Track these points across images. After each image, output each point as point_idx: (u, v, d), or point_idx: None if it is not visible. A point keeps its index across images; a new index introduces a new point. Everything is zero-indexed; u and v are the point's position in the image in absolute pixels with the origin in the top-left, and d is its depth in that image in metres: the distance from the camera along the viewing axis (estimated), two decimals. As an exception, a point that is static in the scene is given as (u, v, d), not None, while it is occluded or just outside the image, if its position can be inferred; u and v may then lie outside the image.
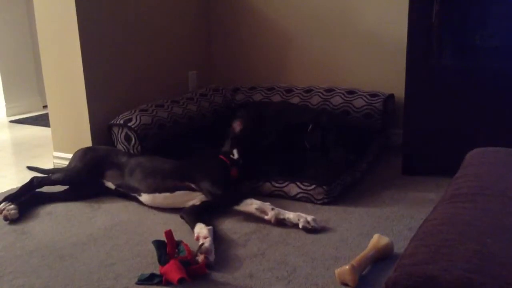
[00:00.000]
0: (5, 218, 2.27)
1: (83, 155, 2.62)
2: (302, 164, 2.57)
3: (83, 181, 2.54)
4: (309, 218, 2.11)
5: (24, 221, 2.29)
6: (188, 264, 1.77)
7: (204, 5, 3.75)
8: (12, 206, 2.31)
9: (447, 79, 2.57)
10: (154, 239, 1.95)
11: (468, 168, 1.56)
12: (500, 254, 0.99)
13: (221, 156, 2.47)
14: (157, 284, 1.72)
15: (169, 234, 1.84)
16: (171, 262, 1.75)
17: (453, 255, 0.99)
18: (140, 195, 2.40)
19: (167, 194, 2.34)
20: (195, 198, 2.31)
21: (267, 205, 2.18)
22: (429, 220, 1.22)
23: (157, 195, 2.35)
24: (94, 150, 2.68)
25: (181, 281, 1.69)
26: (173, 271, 1.71)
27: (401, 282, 0.95)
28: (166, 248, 1.82)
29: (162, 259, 1.79)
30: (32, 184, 2.53)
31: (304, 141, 2.81)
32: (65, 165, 2.74)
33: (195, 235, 2.00)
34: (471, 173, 1.49)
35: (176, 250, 1.84)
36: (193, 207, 2.27)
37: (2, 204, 2.33)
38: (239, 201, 2.21)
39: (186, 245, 1.88)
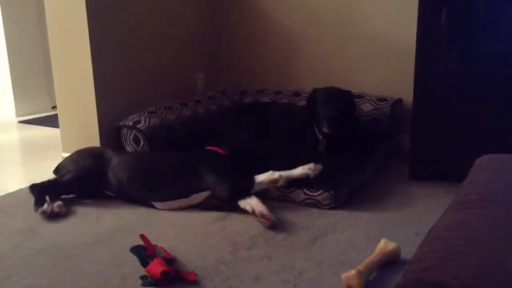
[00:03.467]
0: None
1: (77, 160, 2.56)
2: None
3: (79, 189, 2.51)
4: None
5: (31, 221, 2.30)
6: (171, 262, 1.81)
7: (212, 8, 3.77)
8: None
9: (455, 85, 2.56)
10: (159, 241, 1.96)
11: (477, 174, 1.55)
12: (509, 261, 0.99)
13: (216, 149, 2.53)
14: (148, 285, 1.73)
15: (144, 237, 1.86)
16: (154, 260, 1.78)
17: (461, 262, 0.99)
18: (151, 203, 2.40)
19: (183, 199, 2.36)
20: (207, 194, 2.37)
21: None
22: (438, 226, 1.21)
23: (172, 202, 2.37)
24: (88, 154, 2.59)
25: (164, 273, 1.70)
26: (155, 267, 1.73)
27: (409, 287, 0.95)
28: (146, 251, 1.84)
29: (145, 262, 1.80)
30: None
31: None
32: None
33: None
34: (480, 180, 1.48)
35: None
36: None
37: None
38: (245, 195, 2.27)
39: (162, 247, 1.90)
